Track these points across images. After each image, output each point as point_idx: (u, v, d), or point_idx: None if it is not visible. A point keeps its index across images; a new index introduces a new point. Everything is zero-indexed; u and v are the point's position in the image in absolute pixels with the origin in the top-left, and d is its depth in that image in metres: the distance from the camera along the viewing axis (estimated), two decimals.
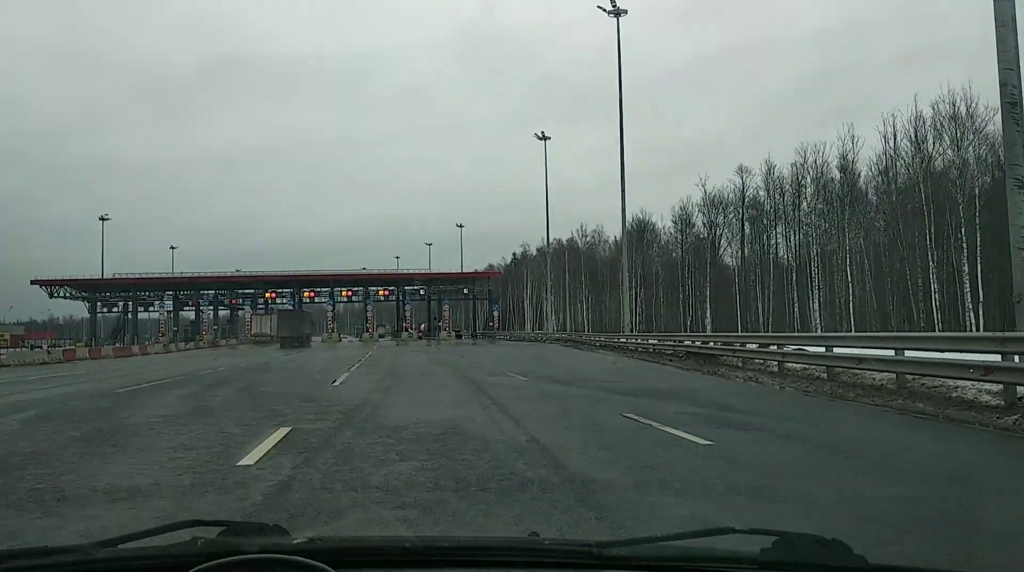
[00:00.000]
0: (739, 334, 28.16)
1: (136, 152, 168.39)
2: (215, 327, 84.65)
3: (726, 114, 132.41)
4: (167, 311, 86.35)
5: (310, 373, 20.41)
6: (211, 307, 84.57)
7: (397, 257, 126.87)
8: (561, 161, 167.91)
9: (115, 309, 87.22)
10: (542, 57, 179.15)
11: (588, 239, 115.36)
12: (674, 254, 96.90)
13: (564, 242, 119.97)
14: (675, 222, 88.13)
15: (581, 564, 1.25)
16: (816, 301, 57.40)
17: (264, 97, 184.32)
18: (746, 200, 70.99)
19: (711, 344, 21.13)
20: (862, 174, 56.04)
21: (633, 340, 33.31)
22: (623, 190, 40.85)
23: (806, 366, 14.65)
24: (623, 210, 42.10)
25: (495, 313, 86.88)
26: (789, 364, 14.95)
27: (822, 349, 14.97)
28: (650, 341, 28.67)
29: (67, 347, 59.64)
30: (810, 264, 59.76)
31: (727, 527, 1.42)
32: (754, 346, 18.22)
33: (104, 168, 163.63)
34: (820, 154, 58.43)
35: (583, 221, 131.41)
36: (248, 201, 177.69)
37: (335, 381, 16.51)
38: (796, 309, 61.47)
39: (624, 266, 43.56)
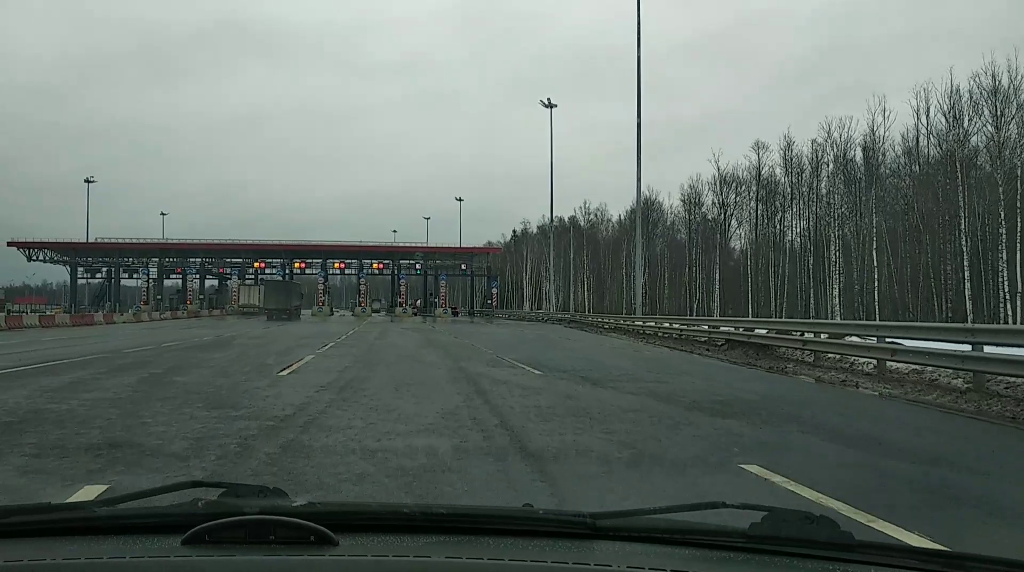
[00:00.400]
0: (803, 321, 23.87)
1: (127, 114, 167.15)
2: (201, 297, 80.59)
3: (734, 90, 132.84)
4: (152, 279, 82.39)
5: (266, 354, 16.60)
6: (197, 276, 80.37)
7: (394, 231, 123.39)
8: (562, 137, 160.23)
9: (99, 275, 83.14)
10: (543, 30, 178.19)
11: (591, 218, 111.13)
12: (680, 235, 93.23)
13: (566, 220, 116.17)
14: (683, 201, 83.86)
15: (575, 533, 1.30)
16: (836, 287, 53.41)
17: (259, 62, 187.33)
18: (761, 178, 66.60)
19: (761, 331, 17.18)
20: (887, 154, 51.79)
21: (649, 323, 29.35)
22: (639, 160, 36.73)
23: (921, 367, 10.72)
24: (638, 181, 38.02)
25: (494, 290, 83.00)
26: (895, 364, 11.03)
27: (924, 344, 11.05)
28: (674, 326, 24.71)
29: (44, 313, 55.62)
30: (828, 248, 55.75)
31: (719, 501, 1.45)
32: (825, 336, 14.28)
33: (93, 129, 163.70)
34: (845, 129, 54.11)
35: (586, 198, 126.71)
36: (241, 169, 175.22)
37: (286, 369, 12.66)
38: (811, 295, 57.69)
39: (638, 243, 39.57)
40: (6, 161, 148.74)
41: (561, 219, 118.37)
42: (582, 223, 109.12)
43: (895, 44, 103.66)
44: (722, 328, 20.14)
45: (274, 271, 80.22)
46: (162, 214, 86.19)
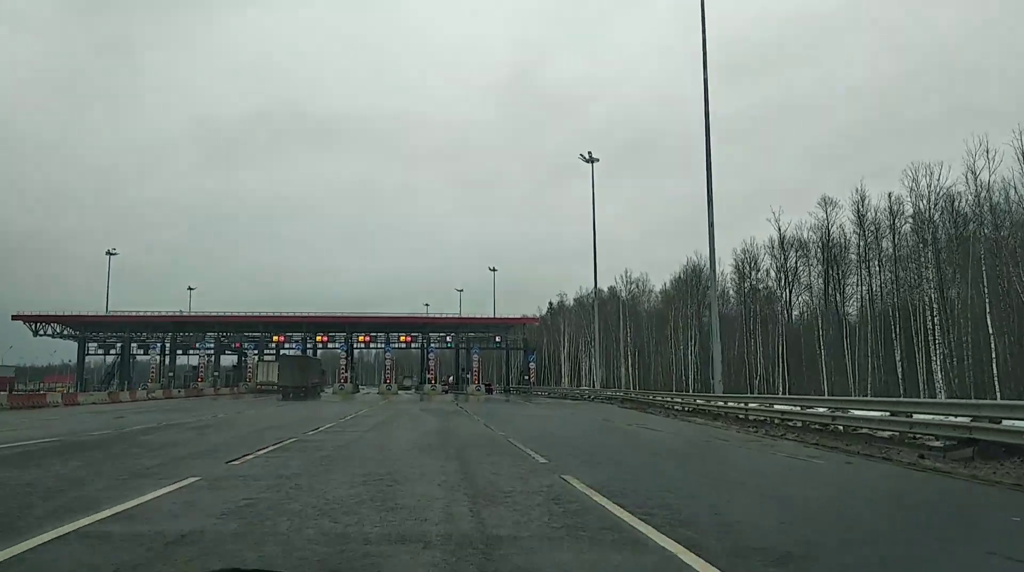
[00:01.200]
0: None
1: (180, 197, 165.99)
2: (216, 374, 74.82)
3: (777, 166, 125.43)
4: (165, 354, 77.22)
5: (202, 446, 9.93)
6: (212, 351, 74.78)
7: (427, 305, 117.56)
8: (599, 214, 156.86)
9: (113, 351, 78.10)
10: (582, 111, 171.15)
11: (632, 288, 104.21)
12: (731, 305, 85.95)
13: (606, 291, 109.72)
14: (736, 266, 76.83)
15: None
16: (937, 359, 45.51)
17: (306, 148, 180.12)
18: (830, 237, 59.56)
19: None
20: (988, 202, 44.51)
21: (752, 405, 22.13)
22: (711, 212, 29.85)
23: None
24: (711, 240, 30.71)
25: (531, 365, 75.95)
26: None
27: None
28: (815, 410, 17.30)
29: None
30: (920, 315, 48.11)
31: None
32: None
33: (151, 212, 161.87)
34: (935, 178, 47.10)
35: (626, 268, 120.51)
36: (284, 250, 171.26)
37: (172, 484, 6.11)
38: (897, 368, 49.72)
39: (713, 307, 32.59)
40: (64, 239, 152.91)
41: (600, 290, 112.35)
42: (623, 294, 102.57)
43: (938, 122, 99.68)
44: (916, 414, 12.74)
45: (294, 346, 74.48)
46: (189, 289, 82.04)
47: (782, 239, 67.77)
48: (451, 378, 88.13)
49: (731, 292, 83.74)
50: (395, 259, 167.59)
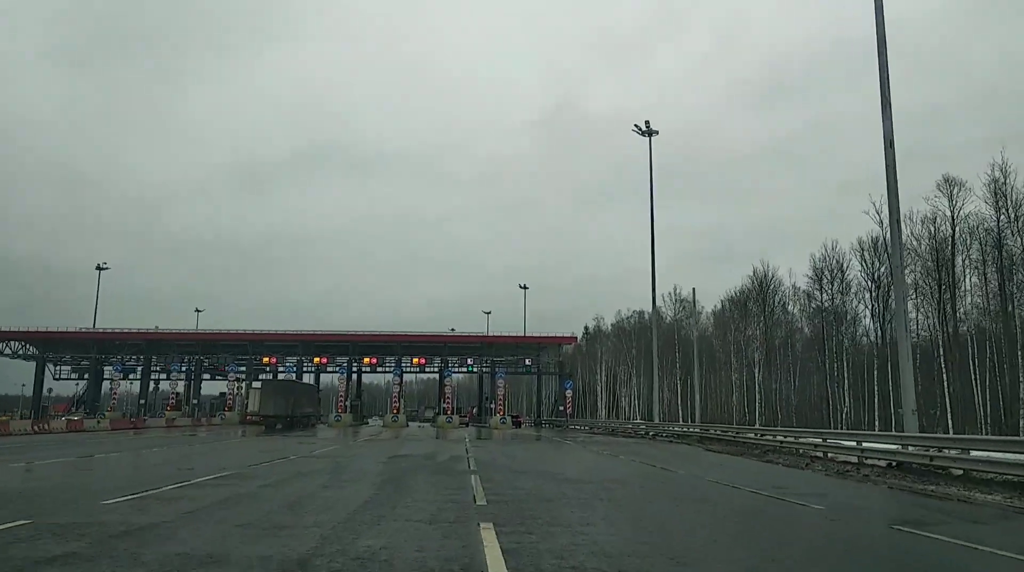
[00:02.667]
0: None
1: (222, 229, 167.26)
2: (195, 401, 63.62)
3: (806, 194, 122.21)
4: (150, 378, 66.21)
5: None
6: (183, 371, 63.59)
7: (452, 329, 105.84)
8: (633, 241, 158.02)
9: (87, 375, 67.26)
10: (615, 141, 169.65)
11: (679, 309, 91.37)
12: (801, 323, 73.16)
13: (646, 315, 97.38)
14: (814, 276, 64.18)
15: None
16: None
17: (344, 179, 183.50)
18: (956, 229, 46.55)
19: None
20: None
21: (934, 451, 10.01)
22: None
23: None
24: (895, 238, 19.42)
25: (567, 392, 63.46)
26: None
27: None
28: None
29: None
30: None
31: None
32: None
33: (192, 243, 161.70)
34: None
35: (673, 289, 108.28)
36: (320, 281, 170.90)
37: None
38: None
39: (899, 318, 20.42)
40: (112, 271, 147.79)
41: (640, 313, 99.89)
42: (668, 316, 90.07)
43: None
44: None
45: (289, 369, 63.10)
46: (197, 310, 71.51)
47: (873, 243, 55.01)
48: (474, 409, 76.52)
49: (791, 309, 71.15)
50: (429, 286, 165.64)
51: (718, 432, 30.70)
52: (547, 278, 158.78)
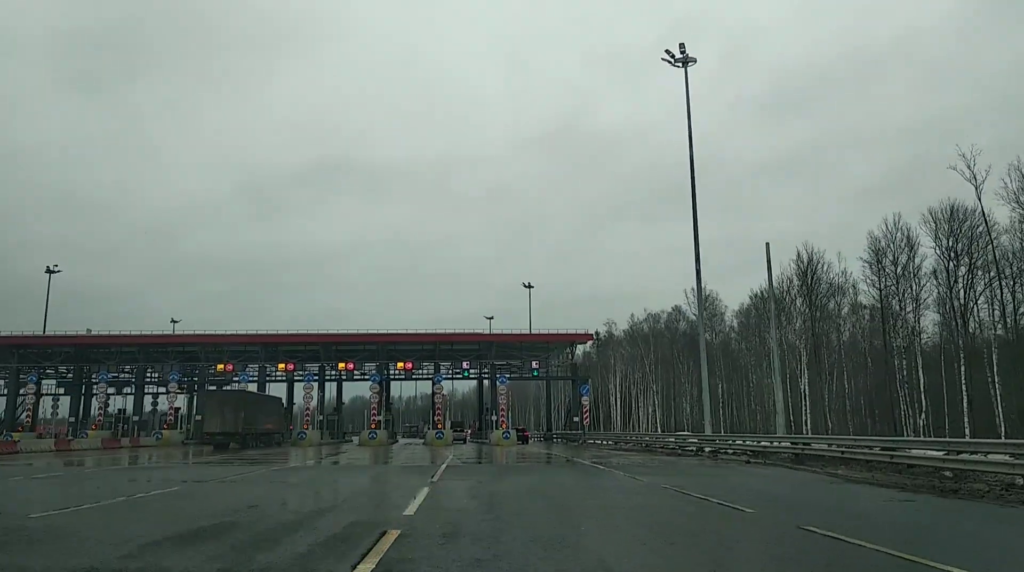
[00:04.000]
0: None
1: (232, 249, 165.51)
2: (136, 418, 52.90)
3: (819, 207, 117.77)
4: (86, 391, 55.57)
5: None
6: (131, 383, 52.99)
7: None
8: (641, 258, 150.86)
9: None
10: (623, 157, 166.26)
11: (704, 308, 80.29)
12: (854, 321, 62.69)
13: (663, 321, 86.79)
14: (869, 260, 53.64)
15: None
16: None
17: (354, 197, 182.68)
18: None
19: None
20: None
21: None
22: None
23: None
24: None
25: (583, 400, 52.24)
26: None
27: None
28: None
29: None
30: None
31: None
32: None
33: (202, 263, 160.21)
34: None
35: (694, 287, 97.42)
36: (331, 298, 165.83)
37: None
38: None
39: None
40: (123, 295, 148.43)
41: (655, 316, 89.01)
42: (691, 315, 79.24)
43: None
44: None
45: (240, 378, 52.33)
46: (173, 321, 60.56)
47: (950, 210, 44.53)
48: (475, 422, 65.83)
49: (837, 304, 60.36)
50: (435, 303, 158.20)
51: (844, 448, 19.55)
52: (554, 294, 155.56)
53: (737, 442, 26.55)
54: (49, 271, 55.54)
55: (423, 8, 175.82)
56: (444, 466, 20.54)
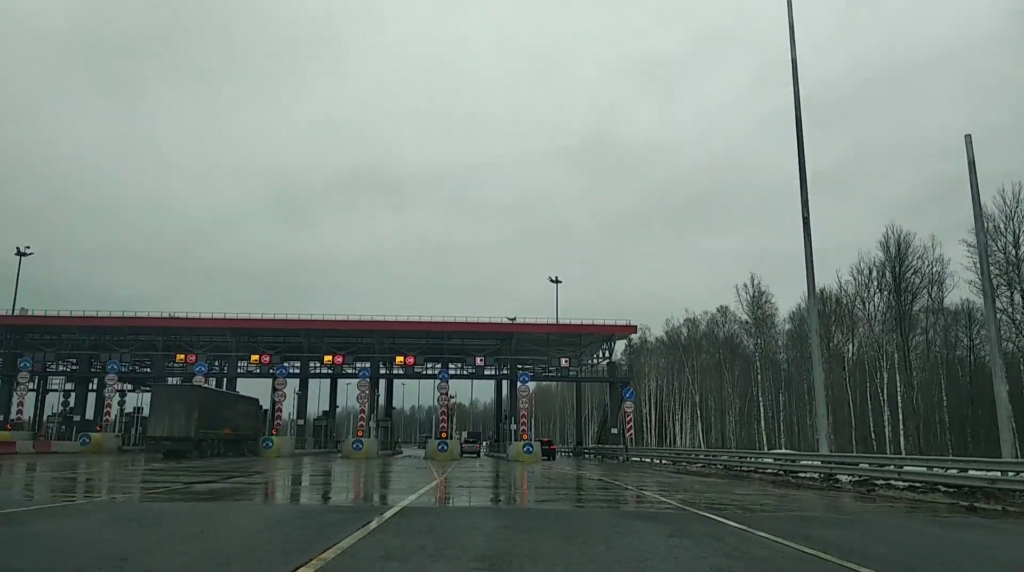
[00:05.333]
0: None
1: (259, 256, 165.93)
2: (76, 418, 43.38)
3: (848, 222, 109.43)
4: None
5: None
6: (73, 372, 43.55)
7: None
8: (668, 273, 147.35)
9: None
10: (652, 166, 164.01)
11: (759, 310, 70.01)
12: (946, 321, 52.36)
13: (702, 326, 76.04)
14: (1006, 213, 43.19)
15: None
16: None
17: (382, 206, 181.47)
18: None
19: None
20: None
21: None
22: None
23: None
24: None
25: (626, 405, 41.29)
26: None
27: None
28: None
29: None
30: None
31: None
32: None
33: (228, 271, 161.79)
34: None
35: (751, 279, 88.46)
36: (355, 305, 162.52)
37: None
38: None
39: None
40: (147, 301, 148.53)
41: (694, 321, 78.09)
42: (743, 317, 68.59)
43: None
44: None
45: (199, 371, 42.47)
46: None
47: None
48: (493, 434, 55.78)
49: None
50: (461, 311, 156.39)
51: None
52: (577, 304, 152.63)
53: (911, 468, 15.86)
54: (19, 254, 46.12)
55: (453, 18, 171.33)
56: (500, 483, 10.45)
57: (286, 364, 44.27)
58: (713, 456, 27.47)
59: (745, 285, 66.39)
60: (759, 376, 64.99)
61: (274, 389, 39.28)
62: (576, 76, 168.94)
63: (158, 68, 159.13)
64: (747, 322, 67.59)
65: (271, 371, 42.48)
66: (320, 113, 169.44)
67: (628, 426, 39.66)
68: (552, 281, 51.59)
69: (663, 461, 32.90)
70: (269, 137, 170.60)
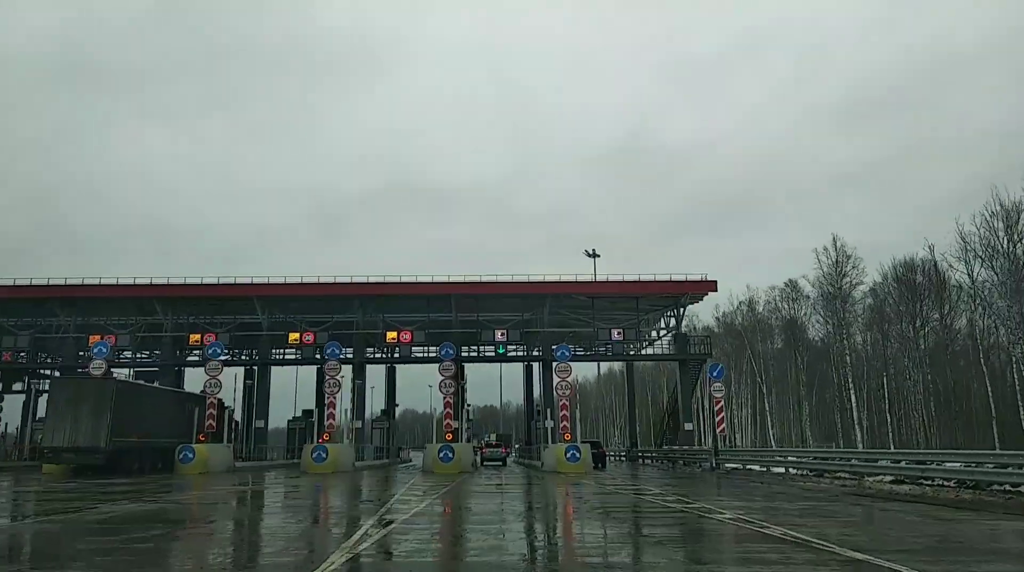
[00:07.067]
0: None
1: (296, 271, 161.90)
2: None
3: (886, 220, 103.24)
4: None
5: None
6: None
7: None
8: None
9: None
10: (689, 170, 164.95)
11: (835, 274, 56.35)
12: None
13: (760, 307, 63.25)
14: None
15: None
16: None
17: (418, 217, 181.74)
18: None
19: None
20: None
21: None
22: None
23: None
24: None
25: (714, 388, 28.00)
26: None
27: None
28: None
29: None
30: None
31: None
32: None
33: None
34: None
35: (832, 241, 75.18)
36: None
37: None
38: None
39: None
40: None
41: (750, 302, 65.12)
42: (820, 276, 54.99)
43: None
44: None
45: (96, 353, 30.48)
46: None
47: None
48: (524, 439, 43.86)
49: None
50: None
51: None
52: None
53: None
54: None
55: (489, 28, 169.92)
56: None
57: (246, 347, 32.35)
58: (934, 461, 14.57)
59: (825, 248, 53.21)
60: (846, 357, 52.08)
61: (208, 376, 27.23)
62: (610, 82, 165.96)
63: (198, 93, 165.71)
64: (827, 293, 54.40)
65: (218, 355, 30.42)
66: (356, 129, 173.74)
67: (719, 419, 26.91)
68: (589, 255, 39.02)
69: (796, 472, 20.23)
70: (305, 155, 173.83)
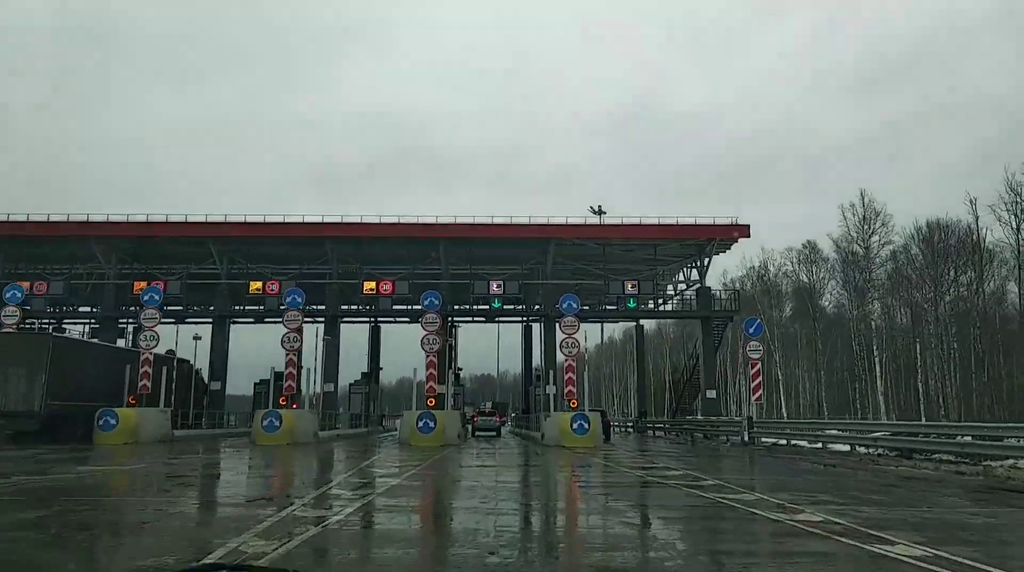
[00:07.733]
0: None
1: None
2: None
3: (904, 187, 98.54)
4: None
5: None
6: None
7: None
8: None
9: None
10: (699, 136, 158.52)
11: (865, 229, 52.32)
12: None
13: (778, 268, 59.06)
14: None
15: None
16: None
17: (424, 184, 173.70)
18: None
19: None
20: None
21: None
22: None
23: None
24: None
25: (749, 348, 23.52)
26: None
27: None
28: None
29: None
30: None
31: None
32: None
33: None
34: None
35: (861, 195, 71.01)
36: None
37: None
38: None
39: None
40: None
41: (764, 266, 60.46)
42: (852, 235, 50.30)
43: None
44: None
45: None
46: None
47: None
48: (520, 406, 39.81)
49: None
50: None
51: None
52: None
53: None
54: None
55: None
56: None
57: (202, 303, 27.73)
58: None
59: (852, 204, 48.55)
60: (870, 322, 48.00)
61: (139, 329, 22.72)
62: (622, 47, 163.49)
63: (206, 58, 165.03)
64: (852, 253, 49.71)
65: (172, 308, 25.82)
66: (361, 94, 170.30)
67: (755, 384, 22.47)
68: (594, 211, 34.07)
69: (866, 451, 15.83)
70: (308, 120, 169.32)
